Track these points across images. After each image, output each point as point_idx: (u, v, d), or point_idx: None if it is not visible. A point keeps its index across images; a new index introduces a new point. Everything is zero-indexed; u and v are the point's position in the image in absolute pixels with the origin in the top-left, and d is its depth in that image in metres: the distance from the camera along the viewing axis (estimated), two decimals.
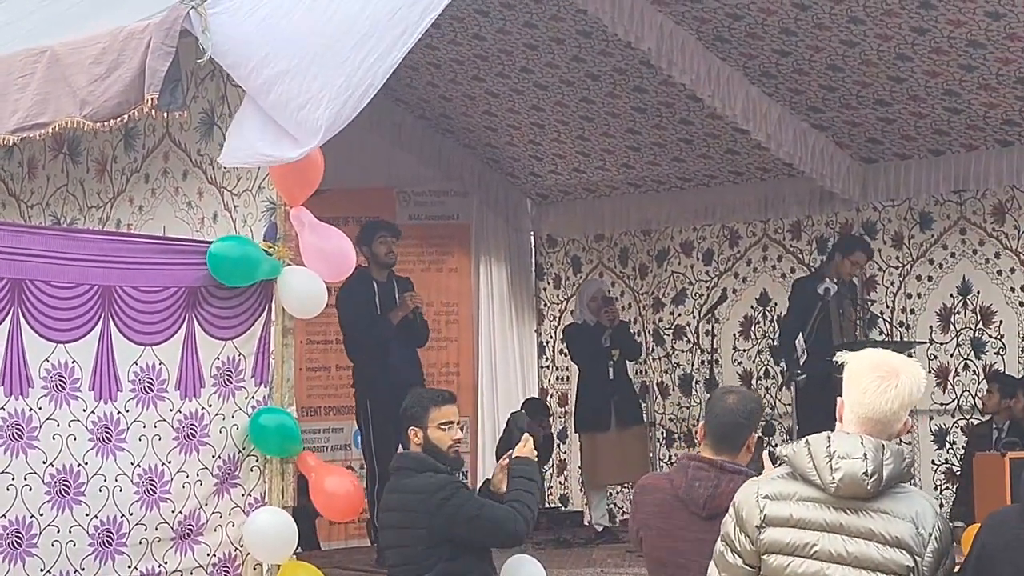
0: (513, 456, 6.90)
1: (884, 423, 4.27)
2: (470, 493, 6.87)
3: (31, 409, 6.37)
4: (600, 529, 11.70)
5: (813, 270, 11.76)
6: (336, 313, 10.37)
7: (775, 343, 12.07)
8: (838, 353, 4.45)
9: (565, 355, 12.69)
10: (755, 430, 5.65)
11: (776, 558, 4.24)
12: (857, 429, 4.28)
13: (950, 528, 4.26)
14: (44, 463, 6.40)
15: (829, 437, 4.25)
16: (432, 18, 6.76)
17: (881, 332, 11.69)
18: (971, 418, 11.21)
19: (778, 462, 4.42)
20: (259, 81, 6.75)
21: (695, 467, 5.50)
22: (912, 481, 4.44)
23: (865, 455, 4.17)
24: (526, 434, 7.02)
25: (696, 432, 4.90)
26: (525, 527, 6.70)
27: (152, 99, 6.92)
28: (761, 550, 4.26)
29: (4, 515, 6.28)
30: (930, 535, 4.16)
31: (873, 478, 4.15)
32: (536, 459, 7.02)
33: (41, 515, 6.38)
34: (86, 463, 6.50)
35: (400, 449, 7.30)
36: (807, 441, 4.27)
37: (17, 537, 6.31)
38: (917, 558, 4.14)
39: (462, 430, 7.10)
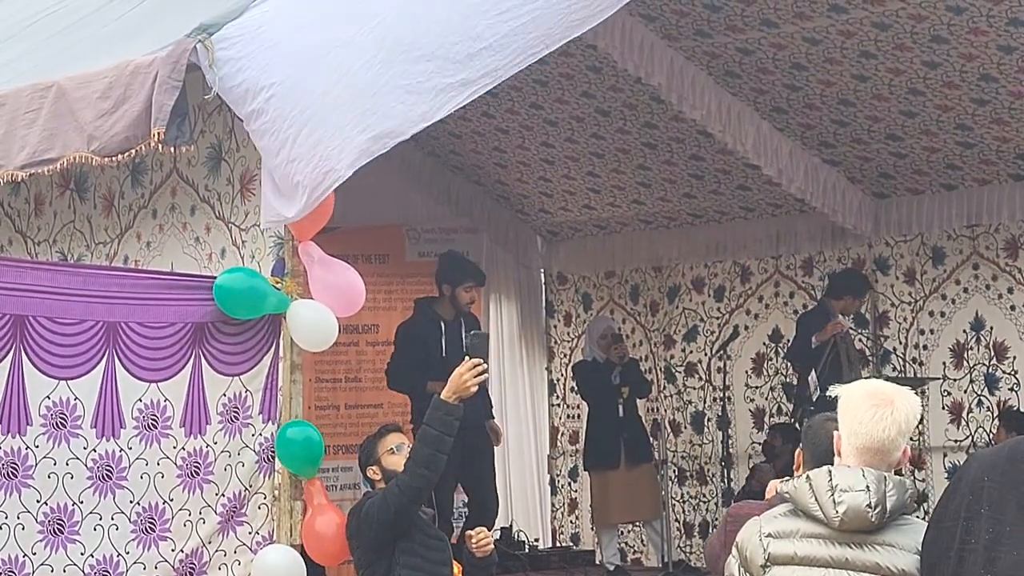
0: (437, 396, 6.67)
1: (883, 452, 4.23)
2: (379, 495, 6.73)
3: (27, 447, 6.31)
4: (612, 568, 11.62)
5: (805, 306, 11.71)
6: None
7: (787, 380, 12.01)
8: (831, 388, 4.42)
9: (576, 392, 12.63)
10: None
11: None
12: (856, 460, 4.25)
13: None
14: (38, 501, 6.33)
15: (830, 471, 4.22)
16: (437, 94, 6.72)
17: (894, 368, 11.61)
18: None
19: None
20: (258, 123, 6.72)
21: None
22: (917, 514, 4.37)
23: (868, 487, 4.14)
24: (469, 358, 6.66)
25: (796, 459, 4.85)
26: (400, 496, 6.52)
27: (159, 133, 6.87)
28: None
29: None
30: None
31: (877, 510, 4.12)
32: (468, 387, 6.58)
33: (34, 554, 6.31)
34: (81, 502, 6.44)
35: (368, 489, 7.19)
36: (808, 476, 4.24)
37: None
38: None
39: None
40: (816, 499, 4.18)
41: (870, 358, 11.62)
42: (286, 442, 6.84)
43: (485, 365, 6.61)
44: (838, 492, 4.15)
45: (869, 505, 4.12)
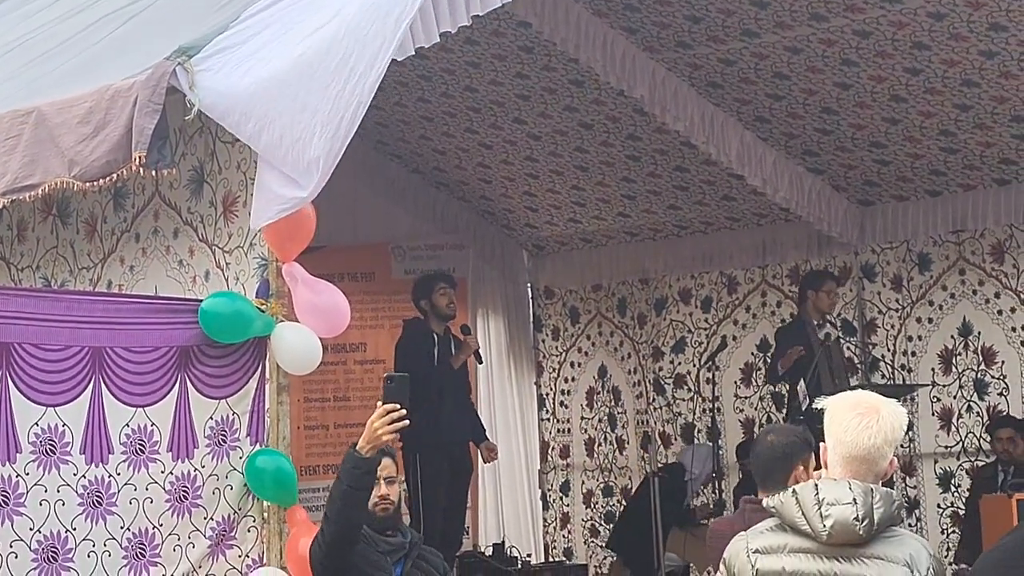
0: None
1: (869, 461, 4.21)
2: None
3: (18, 475, 6.28)
4: None
5: (793, 315, 11.67)
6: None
7: (776, 390, 12.00)
8: (817, 400, 4.41)
9: (565, 407, 12.60)
10: (799, 464, 5.83)
11: None
12: (843, 471, 4.23)
13: (944, 568, 4.17)
14: (31, 529, 6.30)
15: (816, 485, 4.19)
16: (407, 24, 6.65)
17: (883, 375, 11.60)
18: (976, 460, 11.11)
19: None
20: (250, 127, 6.68)
21: (750, 509, 5.71)
22: (906, 524, 4.35)
23: (855, 500, 4.11)
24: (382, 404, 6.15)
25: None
26: (319, 548, 6.12)
27: (140, 157, 6.84)
28: None
29: None
30: None
31: (865, 523, 4.10)
32: (380, 437, 6.03)
33: None
34: (74, 528, 6.41)
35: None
36: (794, 490, 4.21)
37: None
38: None
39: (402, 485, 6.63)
40: (803, 513, 4.15)
41: (859, 366, 11.60)
42: (256, 472, 6.76)
43: (403, 411, 6.01)
44: (825, 506, 4.12)
45: (857, 518, 4.09)
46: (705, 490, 12.35)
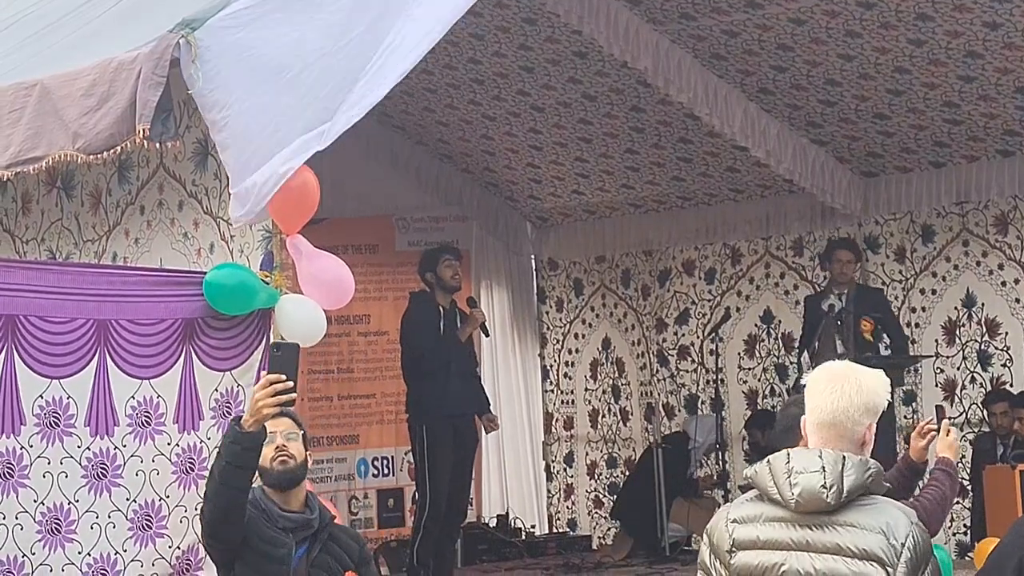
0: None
1: (842, 428, 4.20)
2: None
3: (22, 447, 6.31)
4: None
5: (819, 286, 11.69)
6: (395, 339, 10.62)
7: (780, 361, 12.01)
8: (804, 376, 4.42)
9: (569, 379, 12.60)
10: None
11: None
12: (817, 439, 4.22)
13: (928, 536, 4.16)
14: (35, 501, 6.34)
15: (789, 454, 4.19)
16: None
17: (887, 347, 11.59)
18: (980, 431, 11.12)
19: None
20: (218, 137, 6.81)
21: None
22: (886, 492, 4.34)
23: (823, 468, 4.11)
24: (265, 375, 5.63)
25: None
26: (202, 526, 5.66)
27: (144, 130, 6.85)
28: (734, 575, 4.20)
29: None
30: (903, 545, 4.07)
31: (832, 490, 4.09)
32: (262, 410, 5.40)
33: (33, 554, 6.32)
34: (77, 500, 6.44)
35: None
36: (768, 460, 4.22)
37: None
38: (889, 569, 4.06)
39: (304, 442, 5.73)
40: (775, 482, 4.17)
41: (870, 337, 11.54)
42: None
43: (290, 383, 5.39)
44: (794, 474, 4.12)
45: (824, 485, 4.08)
46: (708, 460, 12.37)
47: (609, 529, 12.98)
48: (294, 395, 5.42)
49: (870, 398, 4.22)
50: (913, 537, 4.08)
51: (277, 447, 5.58)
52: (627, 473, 12.83)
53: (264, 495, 5.61)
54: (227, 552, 5.54)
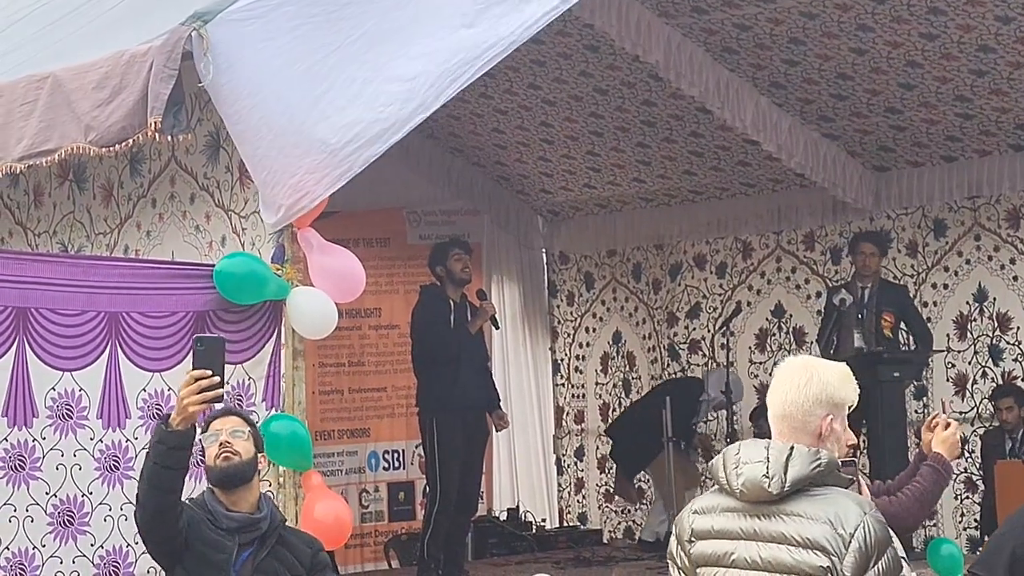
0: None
1: (794, 419, 4.24)
2: None
3: (35, 439, 6.32)
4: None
5: (830, 280, 11.68)
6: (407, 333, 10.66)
7: (791, 355, 11.98)
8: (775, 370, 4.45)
9: (580, 372, 12.59)
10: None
11: (704, 570, 4.25)
12: (776, 432, 4.28)
13: (885, 530, 4.15)
14: (47, 494, 6.35)
15: (740, 445, 4.26)
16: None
17: (901, 342, 11.57)
18: (991, 426, 11.11)
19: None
20: (235, 129, 6.82)
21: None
22: (858, 485, 4.36)
23: (767, 458, 4.16)
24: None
25: None
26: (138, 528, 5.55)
27: (155, 122, 6.86)
28: (693, 564, 4.28)
29: (7, 547, 6.22)
30: (851, 535, 4.08)
31: (774, 480, 4.13)
32: (188, 408, 5.25)
33: (44, 546, 6.33)
34: (90, 493, 6.45)
35: None
36: (723, 452, 4.28)
37: (20, 569, 6.26)
38: (834, 559, 4.08)
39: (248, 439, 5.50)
40: (724, 472, 4.22)
41: (888, 332, 11.52)
42: (271, 436, 6.60)
43: (216, 378, 5.22)
44: (740, 464, 4.19)
45: (765, 475, 4.13)
46: (711, 420, 12.33)
47: (619, 523, 13.00)
48: (221, 391, 5.26)
49: (822, 390, 4.26)
50: (864, 528, 4.09)
51: (221, 443, 5.41)
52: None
53: (213, 496, 5.46)
54: (166, 555, 5.42)
